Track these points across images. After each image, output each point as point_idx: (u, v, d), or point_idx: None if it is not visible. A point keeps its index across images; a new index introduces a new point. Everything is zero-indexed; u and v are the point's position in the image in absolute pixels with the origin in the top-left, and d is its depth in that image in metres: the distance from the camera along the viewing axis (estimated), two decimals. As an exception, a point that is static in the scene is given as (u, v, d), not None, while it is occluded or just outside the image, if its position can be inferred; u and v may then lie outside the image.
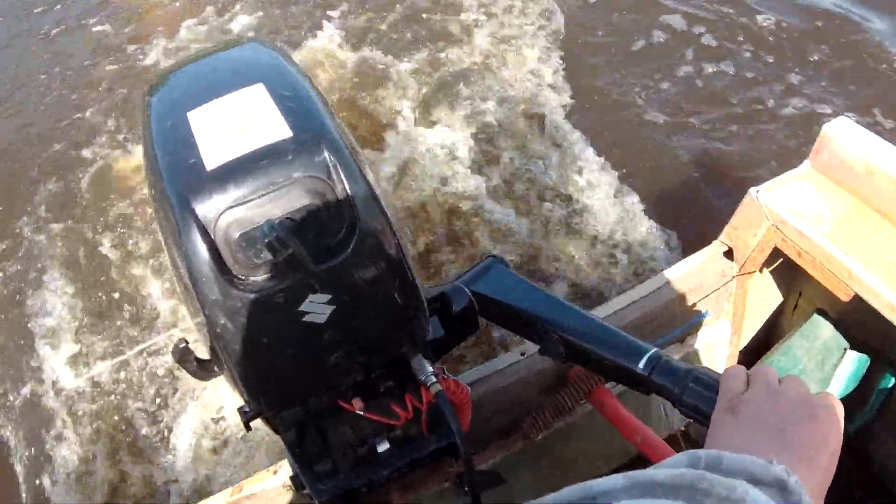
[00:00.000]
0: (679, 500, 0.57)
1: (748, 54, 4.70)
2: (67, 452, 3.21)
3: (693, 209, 3.82)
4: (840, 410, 0.82)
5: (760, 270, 2.17)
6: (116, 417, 3.28)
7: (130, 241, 3.98)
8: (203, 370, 1.34)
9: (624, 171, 4.05)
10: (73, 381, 3.45)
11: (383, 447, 1.46)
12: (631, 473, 0.61)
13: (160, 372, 3.37)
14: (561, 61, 4.85)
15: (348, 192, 1.15)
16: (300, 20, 5.43)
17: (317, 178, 1.14)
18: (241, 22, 5.50)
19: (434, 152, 4.23)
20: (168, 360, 3.34)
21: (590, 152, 4.17)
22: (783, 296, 2.37)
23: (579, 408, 1.96)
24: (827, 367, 2.13)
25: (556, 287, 3.49)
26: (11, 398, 3.50)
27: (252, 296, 1.14)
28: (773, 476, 0.62)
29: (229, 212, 1.12)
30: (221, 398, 3.22)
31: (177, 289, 1.38)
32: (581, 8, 5.33)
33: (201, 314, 1.16)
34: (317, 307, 1.18)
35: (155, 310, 3.66)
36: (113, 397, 3.35)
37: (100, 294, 3.78)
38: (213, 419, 3.18)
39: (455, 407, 1.39)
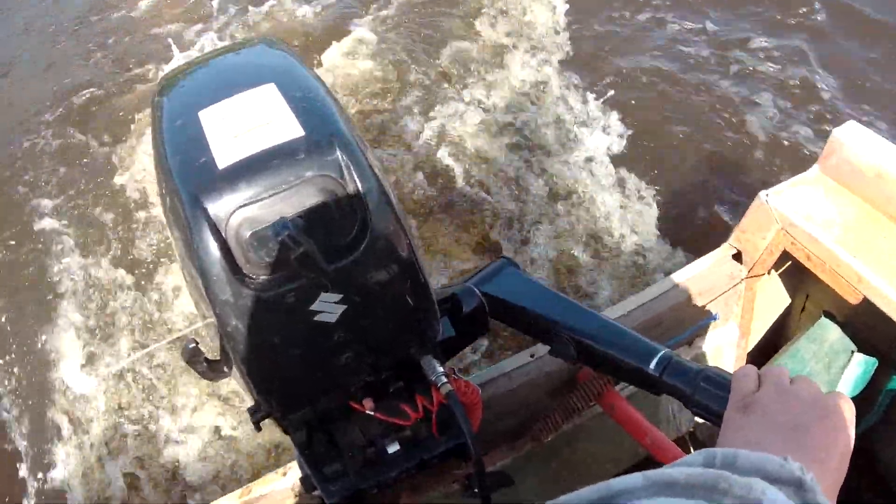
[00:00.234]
0: (698, 499, 0.57)
1: (760, 57, 4.69)
2: (77, 452, 3.22)
3: (702, 212, 3.82)
4: (851, 411, 0.82)
5: (769, 273, 2.17)
6: (126, 417, 3.28)
7: (140, 242, 3.99)
8: (213, 371, 1.34)
9: (634, 173, 4.05)
10: (84, 380, 3.46)
11: (393, 448, 1.46)
12: (649, 472, 0.60)
13: (170, 372, 3.38)
14: (571, 64, 4.85)
15: (360, 191, 1.15)
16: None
17: (329, 177, 1.14)
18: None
19: (440, 151, 4.24)
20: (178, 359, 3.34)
21: (599, 153, 4.18)
22: (791, 298, 2.37)
23: (588, 410, 1.96)
24: (834, 369, 2.13)
25: (565, 289, 3.48)
26: (17, 396, 3.51)
27: (263, 295, 1.14)
28: (789, 474, 0.62)
29: (241, 210, 1.12)
30: (231, 399, 3.22)
31: (187, 288, 1.38)
32: (589, 7, 5.33)
33: (212, 313, 1.16)
34: (328, 306, 1.18)
35: (166, 309, 3.67)
36: (122, 396, 3.36)
37: (112, 294, 3.79)
38: (224, 419, 3.19)
39: (465, 408, 1.38)
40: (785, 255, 2.05)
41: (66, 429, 3.31)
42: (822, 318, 2.19)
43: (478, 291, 1.54)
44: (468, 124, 4.39)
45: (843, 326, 2.15)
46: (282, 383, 1.29)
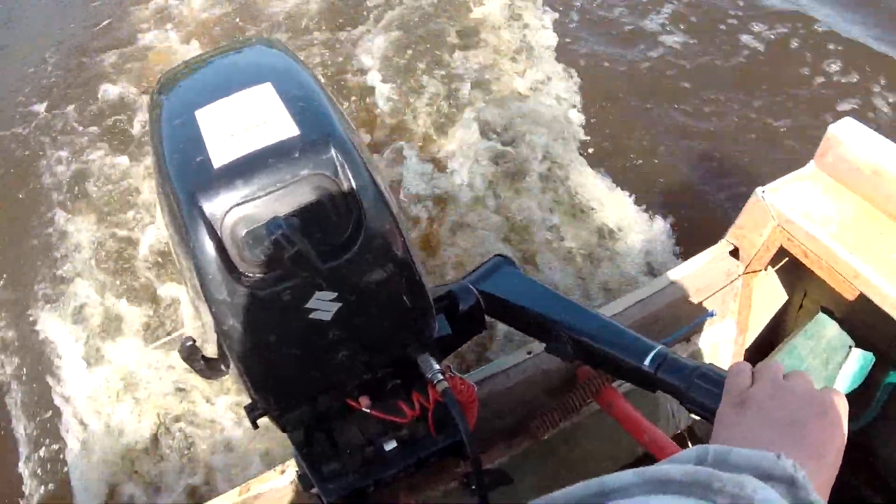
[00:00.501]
0: (691, 497, 0.57)
1: (754, 55, 4.69)
2: (78, 451, 3.22)
3: (699, 209, 3.82)
4: (844, 406, 0.82)
5: (766, 270, 2.17)
6: (127, 414, 3.29)
7: (144, 241, 4.00)
8: (210, 369, 1.34)
9: (630, 171, 4.05)
10: (85, 378, 3.46)
11: (390, 446, 1.46)
12: (643, 469, 0.60)
13: (170, 370, 3.38)
14: (566, 65, 4.85)
15: (355, 190, 1.16)
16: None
17: (324, 175, 1.15)
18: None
19: (440, 150, 4.25)
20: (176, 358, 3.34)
21: (596, 153, 4.18)
22: (788, 295, 2.37)
23: (586, 408, 1.96)
24: (832, 365, 2.13)
25: (561, 286, 3.49)
26: (20, 395, 3.52)
27: (258, 293, 1.15)
28: (781, 471, 0.62)
29: (236, 209, 1.12)
30: (231, 397, 3.22)
31: (184, 287, 1.38)
32: (587, 8, 5.33)
33: (208, 312, 1.16)
34: (322, 305, 1.19)
35: (166, 307, 3.67)
36: (123, 394, 3.36)
37: (114, 289, 3.81)
38: (224, 417, 3.19)
39: (462, 405, 1.39)
40: (782, 252, 2.05)
41: (66, 426, 3.32)
42: (820, 315, 2.19)
43: (474, 289, 1.54)
44: (468, 123, 4.39)
45: (841, 323, 2.15)
46: (278, 381, 1.29)
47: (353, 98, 4.69)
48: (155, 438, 3.20)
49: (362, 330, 1.26)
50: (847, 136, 1.92)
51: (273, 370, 1.26)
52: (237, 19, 5.57)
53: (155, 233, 3.97)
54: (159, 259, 3.87)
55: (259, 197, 1.12)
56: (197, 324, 1.35)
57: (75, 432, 3.28)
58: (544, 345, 1.60)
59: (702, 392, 1.14)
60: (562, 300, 1.61)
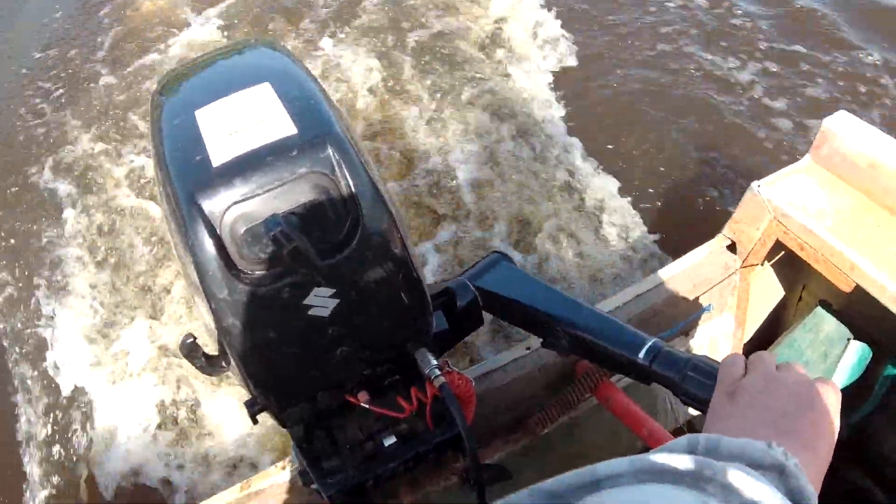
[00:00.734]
0: (682, 485, 0.57)
1: (749, 48, 4.70)
2: (79, 448, 3.23)
3: (696, 203, 3.83)
4: (837, 397, 0.82)
5: (763, 264, 2.17)
6: (126, 412, 3.30)
7: (146, 237, 4.01)
8: (211, 365, 1.35)
9: (627, 166, 4.06)
10: (87, 376, 3.48)
11: (389, 441, 1.47)
12: (635, 458, 0.60)
13: (170, 367, 3.39)
14: (562, 58, 4.86)
15: (352, 187, 1.17)
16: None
17: (321, 173, 1.16)
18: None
19: (439, 150, 4.25)
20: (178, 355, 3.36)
21: (593, 147, 4.19)
22: (786, 289, 2.38)
23: (584, 402, 1.97)
24: (830, 358, 2.13)
25: (559, 282, 3.50)
26: (22, 394, 3.53)
27: (258, 290, 1.16)
28: (772, 459, 0.62)
29: (235, 207, 1.13)
30: (233, 393, 3.24)
31: (185, 284, 1.40)
32: (579, 3, 5.33)
33: (208, 309, 1.17)
34: (321, 301, 1.20)
35: (168, 304, 3.69)
36: (123, 392, 3.38)
37: (116, 285, 3.82)
38: (224, 413, 3.20)
39: (459, 400, 1.40)
40: (779, 245, 2.05)
41: (66, 423, 3.33)
42: (818, 308, 2.19)
43: (472, 286, 1.55)
44: (466, 124, 4.40)
45: (839, 316, 2.15)
46: (278, 378, 1.30)
47: (353, 98, 4.69)
48: (156, 434, 3.21)
49: (361, 326, 1.27)
50: (842, 129, 1.93)
51: (273, 367, 1.27)
52: (237, 23, 5.58)
53: (158, 227, 3.98)
54: (163, 254, 3.88)
55: (258, 195, 1.13)
56: (198, 320, 1.36)
57: (77, 427, 3.30)
58: (541, 340, 1.62)
59: (695, 384, 1.16)
60: (558, 296, 1.62)
